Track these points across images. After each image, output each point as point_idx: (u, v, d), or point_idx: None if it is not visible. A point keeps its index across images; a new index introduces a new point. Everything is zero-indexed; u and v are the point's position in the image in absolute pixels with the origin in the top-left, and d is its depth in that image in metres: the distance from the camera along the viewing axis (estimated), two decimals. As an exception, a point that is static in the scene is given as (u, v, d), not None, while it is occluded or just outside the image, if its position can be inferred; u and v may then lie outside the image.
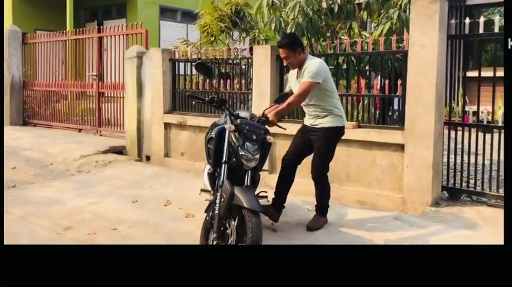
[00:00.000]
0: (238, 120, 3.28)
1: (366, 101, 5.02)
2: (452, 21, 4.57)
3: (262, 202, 3.54)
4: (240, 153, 3.19)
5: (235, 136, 3.24)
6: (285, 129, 3.82)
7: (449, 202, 4.17)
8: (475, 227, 3.65)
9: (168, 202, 4.69)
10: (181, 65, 6.38)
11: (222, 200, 3.02)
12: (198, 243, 3.57)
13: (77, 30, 8.70)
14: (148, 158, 6.69)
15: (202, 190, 3.88)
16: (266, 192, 3.80)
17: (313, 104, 3.72)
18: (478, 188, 4.21)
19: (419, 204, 4.09)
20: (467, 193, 4.26)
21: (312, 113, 3.78)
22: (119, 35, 7.68)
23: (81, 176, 5.87)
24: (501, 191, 4.08)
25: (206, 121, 5.86)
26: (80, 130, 8.32)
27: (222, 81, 5.84)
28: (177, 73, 6.43)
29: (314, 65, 3.60)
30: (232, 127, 3.24)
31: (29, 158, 6.49)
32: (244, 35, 6.75)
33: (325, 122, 3.70)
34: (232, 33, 6.86)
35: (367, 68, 5.55)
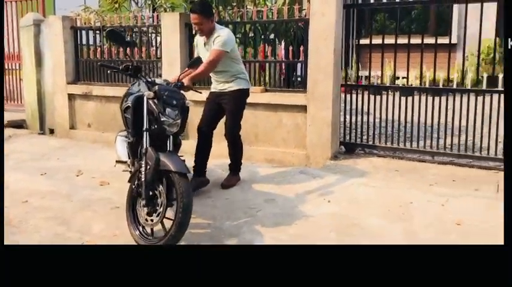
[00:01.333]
0: (156, 87, 3.30)
1: (274, 67, 5.33)
2: (346, -9, 4.95)
3: None
4: (162, 119, 3.22)
5: (155, 103, 3.27)
6: (201, 93, 3.96)
7: (346, 155, 4.69)
8: (368, 174, 4.17)
9: (80, 172, 4.61)
10: (84, 33, 6.11)
11: (148, 167, 3.06)
12: (118, 206, 3.64)
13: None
14: (52, 131, 6.40)
15: (117, 162, 3.87)
16: (183, 156, 3.92)
17: (221, 71, 3.91)
18: (370, 142, 4.77)
19: (320, 158, 4.53)
20: (361, 146, 4.80)
21: (220, 79, 3.98)
22: (10, 2, 7.08)
23: (-23, 152, 5.46)
24: (388, 144, 4.68)
25: (113, 91, 5.76)
26: (-32, 105, 7.61)
27: (128, 49, 5.73)
28: (79, 42, 6.16)
29: (224, 34, 3.77)
30: (151, 94, 3.24)
31: None
32: (150, 2, 6.63)
33: (233, 86, 3.94)
34: (137, 0, 6.70)
35: (272, 36, 5.84)
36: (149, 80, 3.49)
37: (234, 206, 3.72)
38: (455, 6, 8.79)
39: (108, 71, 4.58)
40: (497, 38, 4.55)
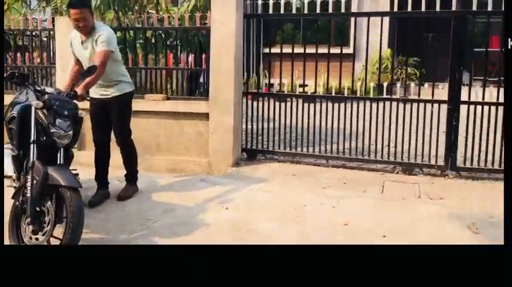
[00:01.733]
0: (46, 96, 3.11)
1: (177, 75, 5.28)
2: (248, 1, 5.06)
3: None
4: (51, 130, 3.04)
5: (44, 113, 3.07)
6: (95, 102, 3.78)
7: (248, 161, 4.78)
8: (267, 180, 4.28)
9: (-42, 189, 4.18)
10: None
11: (35, 181, 2.87)
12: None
13: None
14: None
15: None
16: (76, 169, 3.72)
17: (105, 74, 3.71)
18: (271, 148, 4.91)
19: (222, 165, 4.57)
20: (262, 152, 4.92)
21: (102, 82, 3.75)
22: None
23: None
24: (288, 149, 4.84)
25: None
26: None
27: (19, 54, 5.35)
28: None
29: (107, 33, 3.61)
30: (40, 104, 3.05)
31: None
32: (45, 5, 6.24)
33: (118, 90, 3.79)
34: (30, 2, 6.28)
35: (175, 43, 5.79)
36: (38, 88, 3.27)
37: (130, 218, 3.61)
38: (353, 19, 9.42)
39: None
40: (389, 49, 4.95)
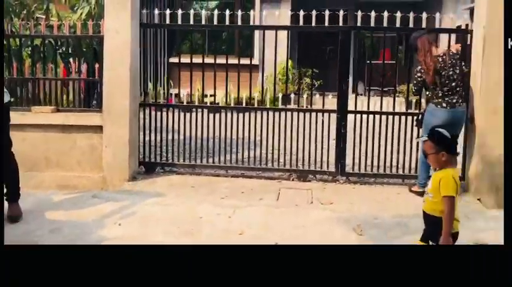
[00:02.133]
0: None
1: (68, 86, 4.99)
2: (144, 11, 4.96)
3: None
4: None
5: None
6: None
7: (146, 175, 4.64)
8: (164, 193, 4.19)
9: None
10: None
11: None
12: None
13: None
14: None
15: None
16: None
17: None
18: (170, 160, 4.83)
19: (117, 180, 4.40)
20: (161, 165, 4.82)
21: None
22: None
23: None
24: (187, 161, 4.80)
25: None
26: None
27: None
28: None
29: None
30: None
31: None
32: None
33: None
34: None
35: (68, 52, 5.50)
36: None
37: (13, 240, 3.28)
38: (257, 32, 9.68)
39: None
40: (289, 61, 5.12)
